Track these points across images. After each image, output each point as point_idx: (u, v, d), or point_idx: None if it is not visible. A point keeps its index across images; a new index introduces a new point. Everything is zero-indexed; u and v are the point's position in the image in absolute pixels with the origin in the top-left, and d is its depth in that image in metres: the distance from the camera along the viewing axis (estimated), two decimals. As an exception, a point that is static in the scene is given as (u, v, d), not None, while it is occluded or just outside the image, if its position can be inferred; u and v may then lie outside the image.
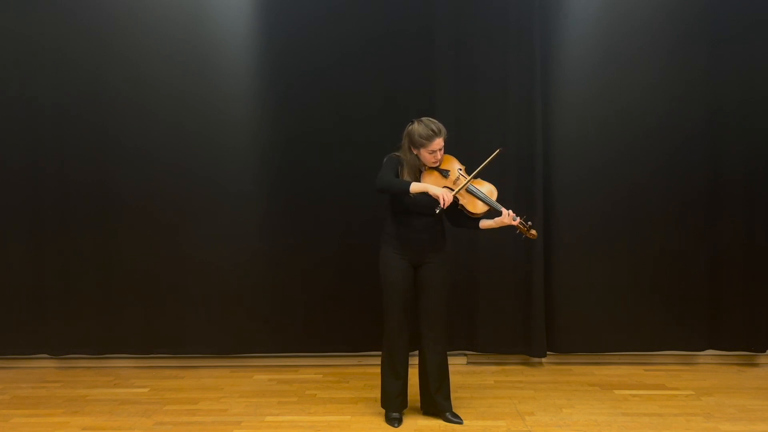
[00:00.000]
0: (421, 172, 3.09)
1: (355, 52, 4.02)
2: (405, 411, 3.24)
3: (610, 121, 4.02)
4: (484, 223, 3.10)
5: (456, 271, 4.03)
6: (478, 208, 3.05)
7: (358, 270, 3.99)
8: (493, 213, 3.06)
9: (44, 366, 4.22)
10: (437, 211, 2.91)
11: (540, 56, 3.99)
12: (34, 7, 4.04)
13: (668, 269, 4.04)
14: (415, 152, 3.05)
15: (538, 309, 4.00)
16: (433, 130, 2.97)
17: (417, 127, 3.00)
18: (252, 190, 4.10)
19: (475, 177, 3.05)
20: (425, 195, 2.95)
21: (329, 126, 4.04)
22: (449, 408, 3.19)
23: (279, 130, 4.07)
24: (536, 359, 4.12)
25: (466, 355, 4.20)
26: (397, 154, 3.10)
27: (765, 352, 4.07)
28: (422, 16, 4.01)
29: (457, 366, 4.10)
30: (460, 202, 3.03)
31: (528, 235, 3.05)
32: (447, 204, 2.90)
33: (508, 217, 3.00)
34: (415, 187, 2.93)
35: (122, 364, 4.21)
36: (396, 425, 3.12)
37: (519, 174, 4.02)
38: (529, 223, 3.04)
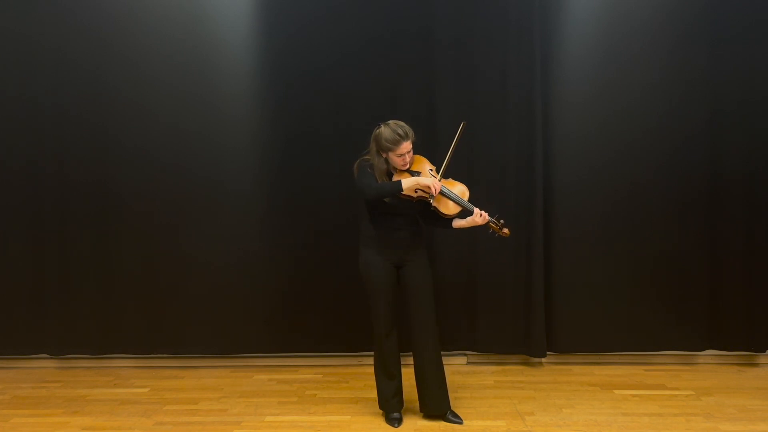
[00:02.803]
0: (391, 175, 3.07)
1: (355, 52, 4.02)
2: (405, 411, 3.24)
3: (610, 121, 4.02)
4: (457, 223, 3.09)
5: (456, 271, 4.04)
6: (450, 209, 3.05)
7: (358, 270, 3.98)
8: (465, 213, 3.05)
9: (44, 366, 4.22)
10: (431, 201, 2.93)
11: (540, 56, 3.99)
12: (34, 7, 4.04)
13: (668, 269, 4.04)
14: (384, 156, 3.03)
15: (538, 309, 4.00)
16: (399, 134, 2.93)
17: (384, 131, 2.96)
18: (252, 190, 4.10)
19: (444, 177, 3.05)
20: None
21: (329, 126, 4.03)
22: (449, 408, 3.19)
23: (279, 130, 4.07)
24: (536, 359, 4.12)
25: (466, 355, 4.20)
26: (366, 157, 3.09)
27: (765, 352, 4.08)
28: (422, 16, 4.01)
29: (457, 366, 4.11)
30: (433, 203, 3.01)
31: (501, 234, 3.04)
32: (437, 190, 2.91)
33: (479, 217, 2.99)
34: (406, 184, 2.93)
35: (122, 364, 4.21)
36: (396, 425, 3.12)
37: (519, 174, 4.02)
38: (502, 221, 3.03)
